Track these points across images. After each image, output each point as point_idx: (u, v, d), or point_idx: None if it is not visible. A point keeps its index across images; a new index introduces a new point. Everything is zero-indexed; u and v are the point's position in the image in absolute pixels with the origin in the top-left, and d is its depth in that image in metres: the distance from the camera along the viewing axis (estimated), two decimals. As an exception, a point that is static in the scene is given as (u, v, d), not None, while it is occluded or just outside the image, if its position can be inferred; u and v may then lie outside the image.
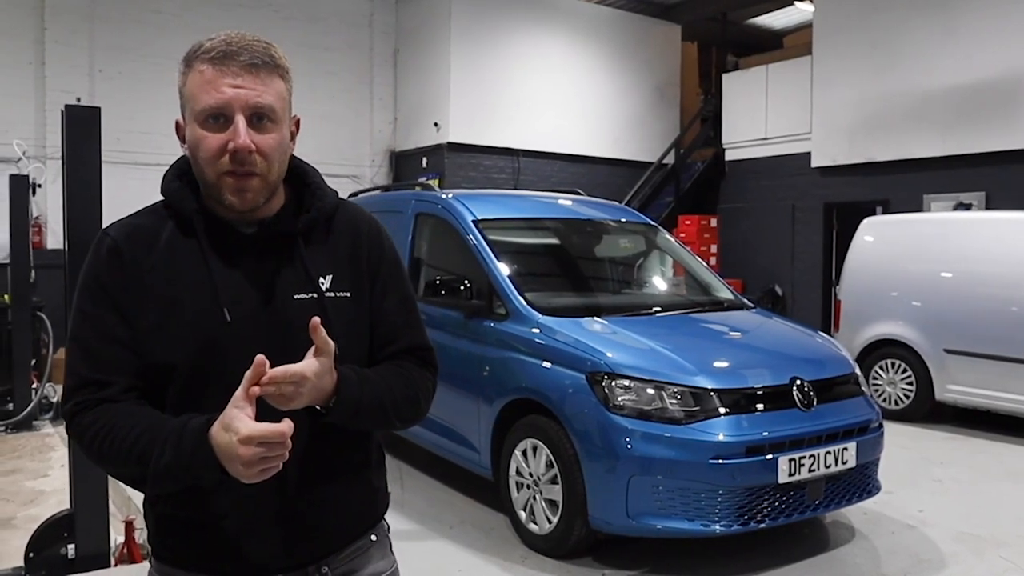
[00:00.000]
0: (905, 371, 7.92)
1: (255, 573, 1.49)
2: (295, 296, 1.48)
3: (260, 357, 1.28)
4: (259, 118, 1.41)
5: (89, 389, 1.41)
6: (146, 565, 4.18)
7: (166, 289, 1.43)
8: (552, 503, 4.35)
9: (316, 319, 1.32)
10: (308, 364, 1.33)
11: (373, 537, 1.63)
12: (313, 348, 1.34)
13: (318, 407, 1.39)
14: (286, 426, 1.26)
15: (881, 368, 8.13)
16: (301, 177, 1.58)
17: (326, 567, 1.54)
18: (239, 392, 1.28)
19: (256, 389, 1.28)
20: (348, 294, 1.54)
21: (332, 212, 1.58)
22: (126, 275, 1.44)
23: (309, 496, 1.50)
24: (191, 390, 1.42)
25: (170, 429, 1.34)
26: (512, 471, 4.64)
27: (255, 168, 1.41)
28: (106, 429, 1.37)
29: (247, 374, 1.28)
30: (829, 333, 8.28)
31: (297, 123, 1.53)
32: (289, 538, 1.49)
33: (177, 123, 1.48)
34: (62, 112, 3.94)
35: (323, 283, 1.50)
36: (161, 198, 1.53)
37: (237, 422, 1.26)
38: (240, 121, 1.38)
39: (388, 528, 1.70)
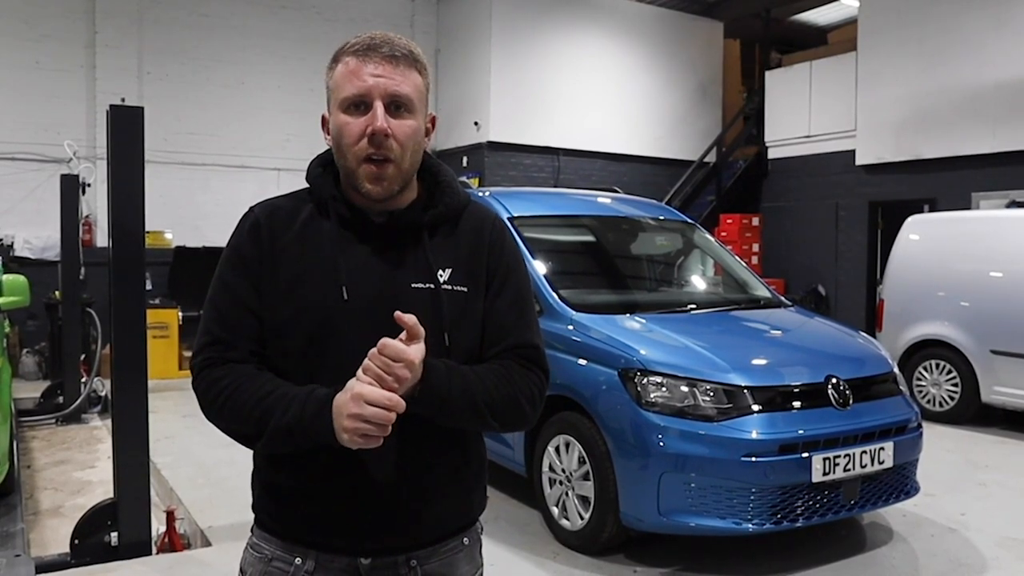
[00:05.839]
0: (950, 372, 7.76)
1: (346, 552, 1.53)
2: (412, 285, 1.53)
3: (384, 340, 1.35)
4: (396, 106, 1.49)
5: (218, 347, 1.51)
6: (186, 554, 4.31)
7: (295, 265, 1.53)
8: (584, 499, 4.36)
9: (398, 313, 1.36)
10: (417, 349, 1.37)
11: (465, 540, 1.64)
12: (403, 333, 1.37)
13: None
14: (397, 397, 1.33)
15: (925, 369, 7.98)
16: (434, 175, 1.64)
17: (414, 560, 1.55)
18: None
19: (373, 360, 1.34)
20: (465, 289, 1.57)
21: (460, 210, 1.63)
22: (262, 249, 1.54)
23: (407, 485, 1.52)
24: (307, 363, 1.50)
25: (296, 393, 1.43)
26: (545, 467, 4.65)
27: (391, 153, 1.48)
28: (233, 386, 1.47)
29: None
30: (872, 333, 8.14)
31: (433, 120, 1.60)
32: (383, 524, 1.52)
33: (323, 117, 1.57)
34: (107, 112, 4.05)
35: (441, 276, 1.55)
36: (306, 185, 1.62)
37: (356, 382, 1.35)
38: (378, 106, 1.47)
39: (482, 529, 1.71)
